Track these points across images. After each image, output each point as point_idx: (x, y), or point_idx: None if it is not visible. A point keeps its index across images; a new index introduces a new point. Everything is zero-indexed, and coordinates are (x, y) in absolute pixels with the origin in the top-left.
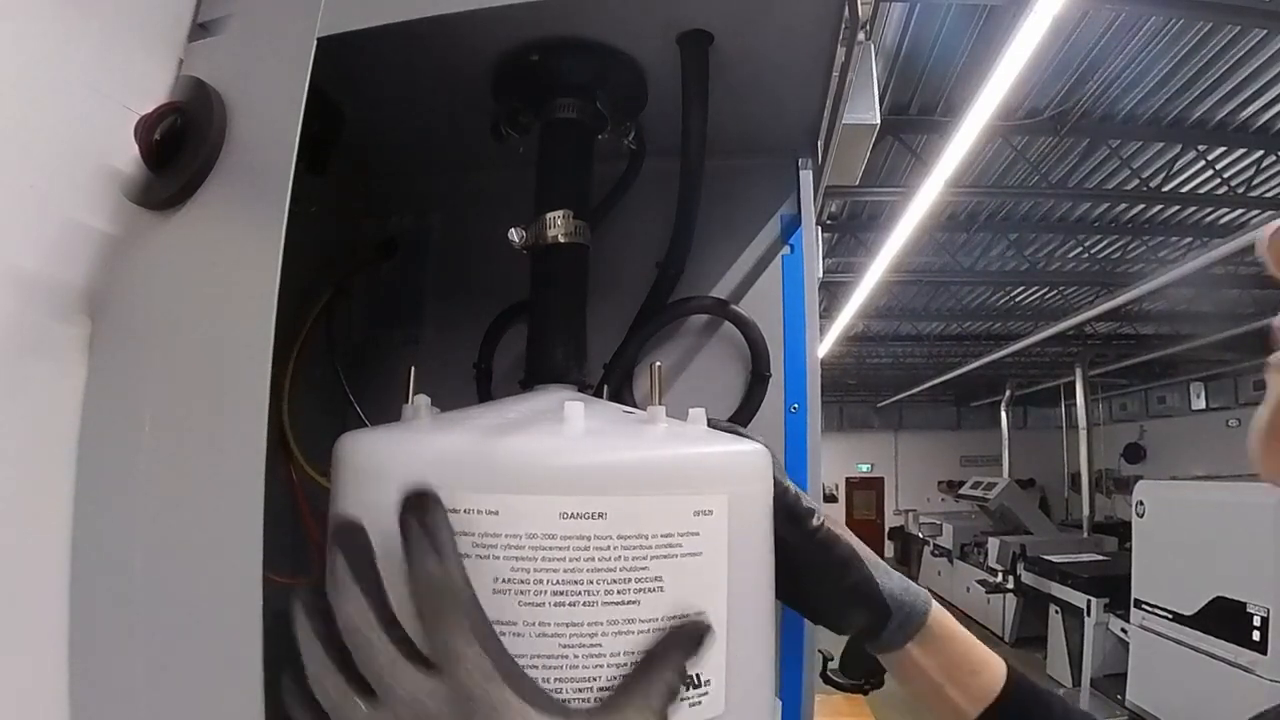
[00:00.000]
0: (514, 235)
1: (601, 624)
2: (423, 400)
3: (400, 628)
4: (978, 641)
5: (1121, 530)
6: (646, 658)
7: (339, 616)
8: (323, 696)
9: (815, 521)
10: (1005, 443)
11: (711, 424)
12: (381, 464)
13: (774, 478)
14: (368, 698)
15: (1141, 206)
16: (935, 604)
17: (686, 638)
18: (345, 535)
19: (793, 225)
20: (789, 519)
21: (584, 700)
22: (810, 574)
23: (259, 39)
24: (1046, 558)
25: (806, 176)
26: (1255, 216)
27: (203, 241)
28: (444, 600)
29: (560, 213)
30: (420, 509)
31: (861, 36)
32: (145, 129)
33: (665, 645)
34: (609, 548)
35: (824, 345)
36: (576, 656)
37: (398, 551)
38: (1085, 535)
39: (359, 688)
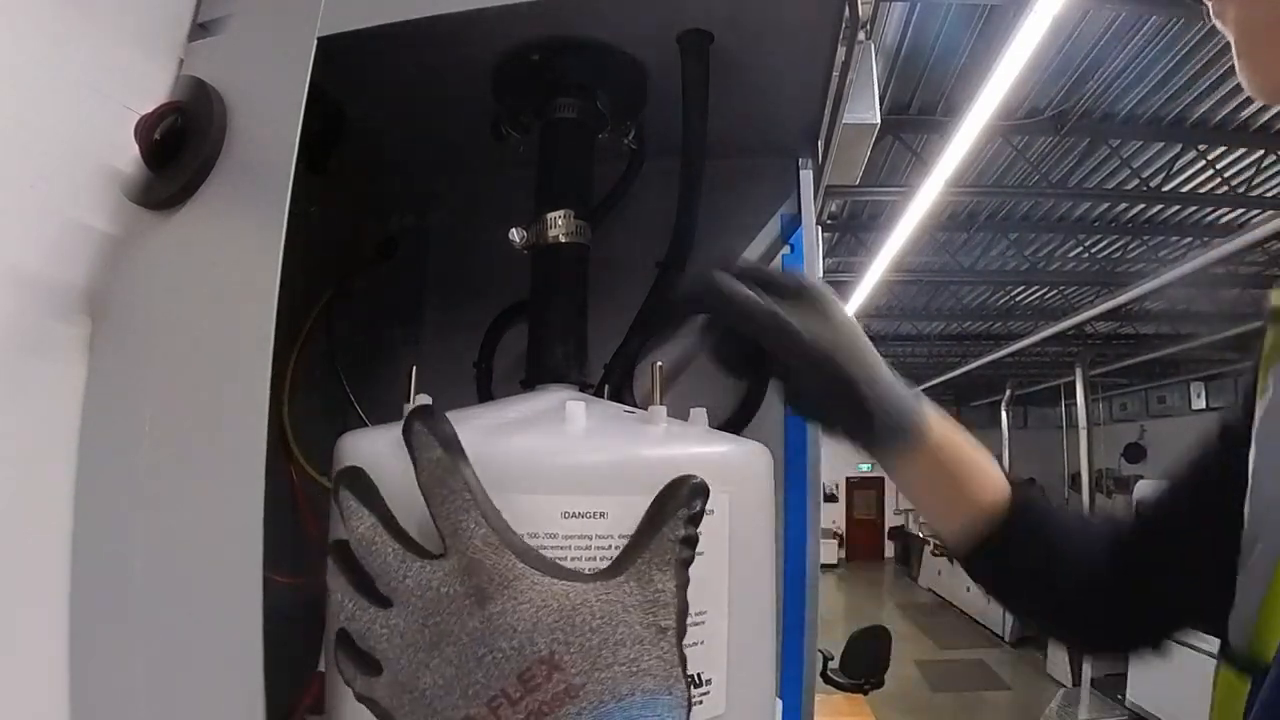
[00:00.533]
0: (514, 235)
1: None
2: (424, 400)
3: (408, 536)
4: (977, 455)
5: None
6: (646, 518)
7: (350, 539)
8: (347, 620)
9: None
10: (1005, 442)
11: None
12: (382, 464)
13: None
14: (383, 607)
15: (1142, 206)
16: (932, 414)
17: (680, 491)
18: (348, 476)
19: (793, 225)
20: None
21: None
22: (796, 370)
23: (259, 39)
24: None
25: (807, 176)
26: (1255, 216)
27: (203, 241)
28: (448, 483)
29: (561, 213)
30: (424, 415)
31: (862, 36)
32: (145, 129)
33: (660, 503)
34: (610, 547)
35: None
36: None
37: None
38: None
39: (374, 600)
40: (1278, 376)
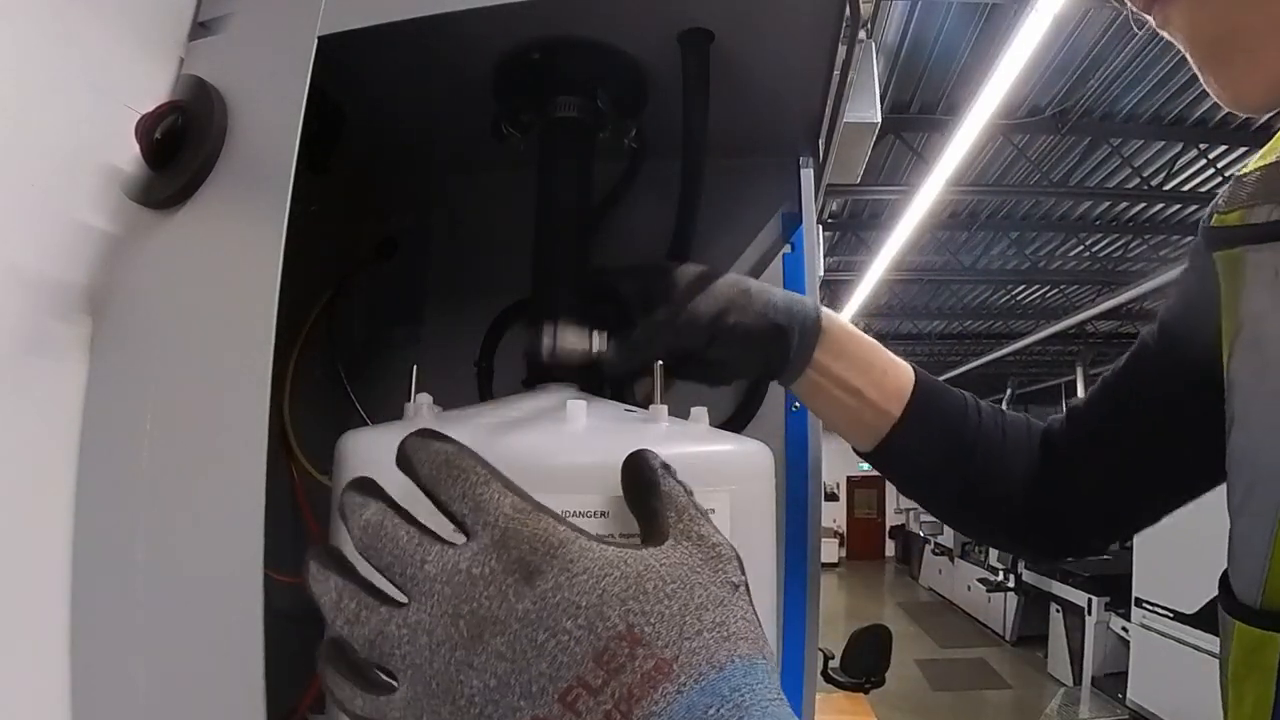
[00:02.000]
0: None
1: None
2: (425, 399)
3: (422, 524)
4: (876, 343)
5: None
6: (634, 492)
7: (355, 527)
8: (348, 625)
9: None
10: None
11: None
12: (383, 462)
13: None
14: (394, 604)
15: (1143, 205)
16: (824, 309)
17: (644, 462)
18: (354, 482)
19: (794, 224)
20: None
21: None
22: (697, 334)
23: (260, 38)
24: None
25: (807, 175)
26: None
27: (204, 240)
28: (457, 464)
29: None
30: (419, 434)
31: (863, 35)
32: (146, 128)
33: (632, 475)
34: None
35: None
36: None
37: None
38: None
39: (382, 599)
40: (1250, 314)
